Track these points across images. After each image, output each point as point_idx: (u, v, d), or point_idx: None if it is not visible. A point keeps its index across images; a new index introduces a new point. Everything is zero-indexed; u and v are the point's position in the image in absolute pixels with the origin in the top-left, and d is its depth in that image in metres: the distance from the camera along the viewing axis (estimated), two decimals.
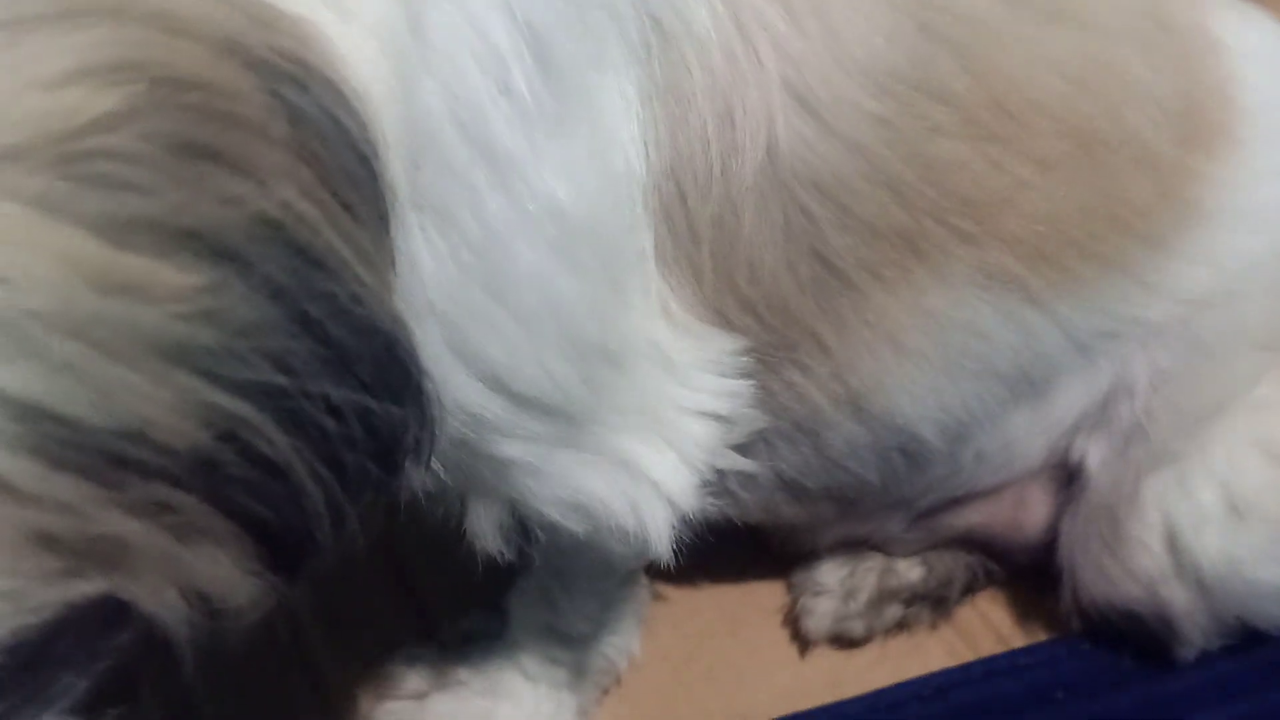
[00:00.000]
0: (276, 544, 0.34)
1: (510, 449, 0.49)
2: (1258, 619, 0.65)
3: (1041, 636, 0.73)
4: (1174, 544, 0.64)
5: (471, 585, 0.66)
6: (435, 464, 0.48)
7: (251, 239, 0.32)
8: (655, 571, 0.76)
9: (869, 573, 0.72)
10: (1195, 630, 0.66)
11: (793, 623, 0.73)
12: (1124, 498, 0.65)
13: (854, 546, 0.73)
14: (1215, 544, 0.64)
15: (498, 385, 0.47)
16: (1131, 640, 0.69)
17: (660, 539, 0.54)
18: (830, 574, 0.73)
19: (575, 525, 0.53)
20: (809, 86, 0.52)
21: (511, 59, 0.44)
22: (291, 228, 0.33)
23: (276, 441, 0.32)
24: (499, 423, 0.48)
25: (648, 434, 0.53)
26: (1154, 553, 0.65)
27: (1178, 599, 0.65)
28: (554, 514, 0.52)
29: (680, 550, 0.60)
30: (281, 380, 0.32)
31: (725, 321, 0.55)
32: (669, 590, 0.76)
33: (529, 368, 0.48)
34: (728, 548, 0.71)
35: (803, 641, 0.72)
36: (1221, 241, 0.62)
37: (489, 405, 0.48)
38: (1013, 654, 0.71)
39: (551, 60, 0.45)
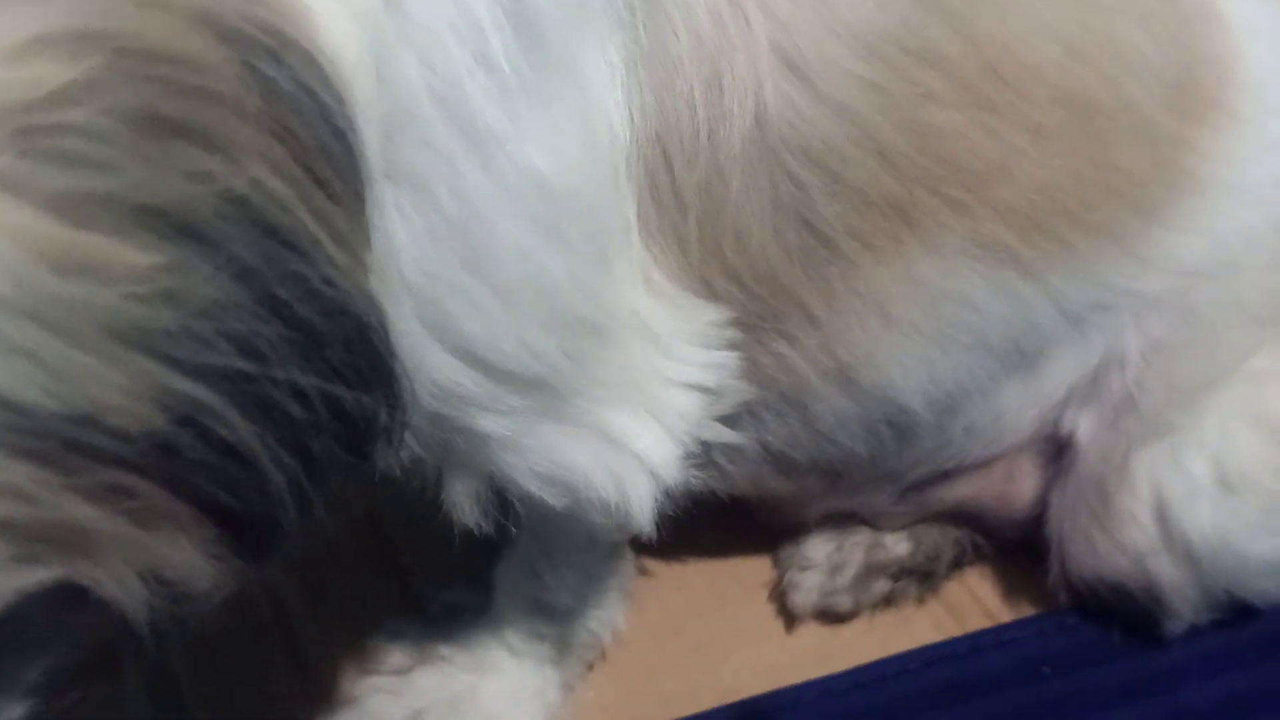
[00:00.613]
0: (240, 529, 0.33)
1: (488, 423, 0.48)
2: (1247, 593, 0.64)
3: (1029, 611, 0.72)
4: (1163, 516, 0.63)
5: (456, 559, 0.65)
6: (409, 439, 0.47)
7: (219, 217, 0.31)
8: (641, 545, 0.74)
9: (856, 547, 0.71)
10: (1184, 604, 0.65)
11: (779, 597, 0.72)
12: (1114, 470, 0.64)
13: (841, 520, 0.72)
14: (1206, 517, 0.62)
15: (475, 361, 0.46)
16: (1119, 614, 0.68)
17: (643, 512, 0.52)
18: (817, 548, 0.71)
19: (555, 499, 0.51)
20: (798, 50, 0.51)
21: (490, 29, 0.42)
22: (261, 206, 0.32)
23: (238, 427, 0.31)
24: (476, 397, 0.47)
25: (631, 406, 0.52)
26: (1143, 525, 0.64)
27: (1166, 572, 0.64)
28: (533, 487, 0.51)
29: (665, 523, 0.58)
30: (245, 364, 0.31)
31: (711, 291, 0.54)
32: (655, 564, 0.75)
33: (509, 342, 0.46)
34: (714, 521, 0.70)
35: (789, 616, 0.71)
36: (1218, 214, 0.61)
37: (466, 380, 0.46)
38: (999, 629, 0.70)
39: (533, 28, 0.44)
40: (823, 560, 0.71)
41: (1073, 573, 0.67)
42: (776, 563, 0.74)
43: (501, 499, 0.53)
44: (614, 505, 0.52)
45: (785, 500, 0.68)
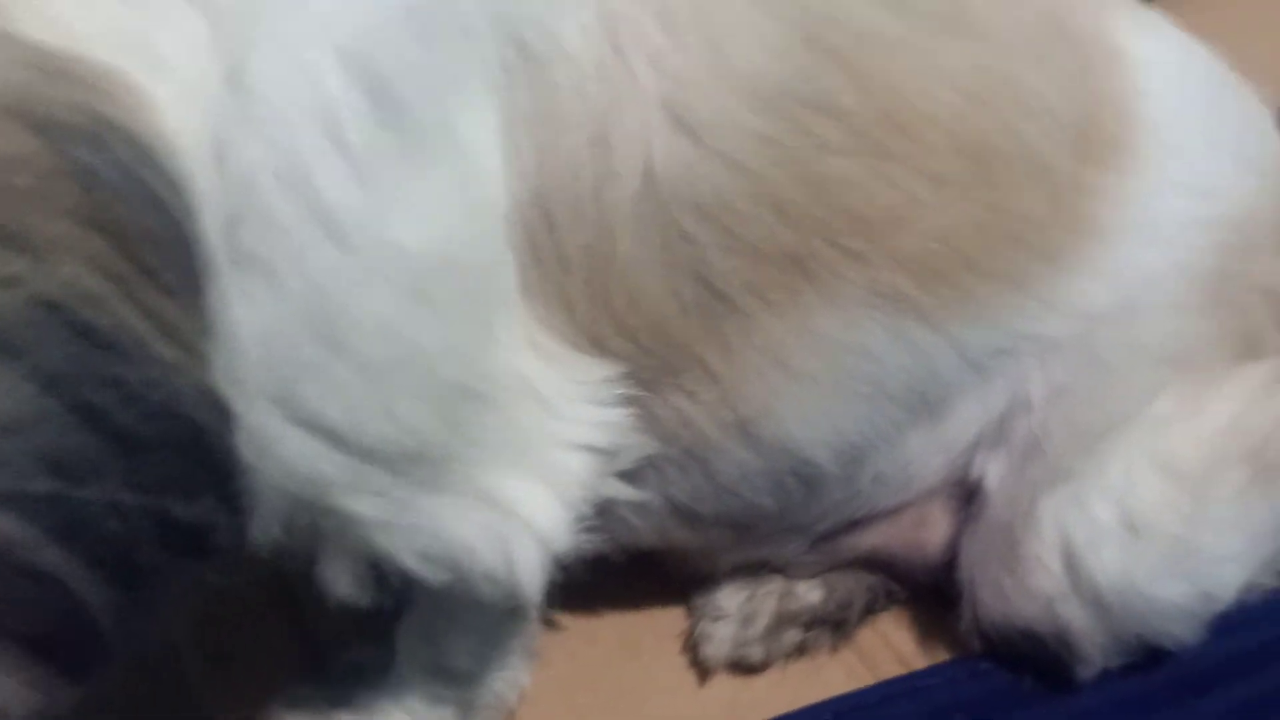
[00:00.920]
0: (57, 653, 0.30)
1: (358, 505, 0.46)
2: (1156, 637, 0.63)
3: (943, 657, 0.70)
4: (1071, 562, 0.62)
5: (360, 616, 0.63)
6: (269, 526, 0.45)
7: (24, 324, 0.28)
8: (549, 599, 0.73)
9: (768, 596, 0.69)
10: (1094, 649, 0.63)
11: (692, 648, 0.70)
12: (1021, 515, 0.63)
13: (754, 569, 0.70)
14: (1112, 562, 0.61)
15: (338, 442, 0.44)
16: (1032, 660, 0.67)
17: (531, 581, 0.50)
18: (729, 598, 0.69)
19: (435, 575, 0.49)
20: (688, 105, 0.49)
21: (345, 107, 0.41)
22: (74, 307, 0.29)
23: (45, 551, 0.28)
24: (342, 479, 0.45)
25: (519, 470, 0.50)
26: (1051, 571, 0.62)
27: (1076, 618, 0.63)
28: (411, 564, 0.49)
29: (575, 576, 0.57)
30: (54, 484, 0.28)
31: (602, 349, 0.52)
32: (564, 617, 0.72)
33: (375, 420, 0.44)
34: (626, 572, 0.68)
35: (702, 668, 0.69)
36: (1120, 256, 0.60)
37: (329, 463, 0.44)
38: (911, 676, 0.69)
39: (395, 102, 0.42)
40: (735, 610, 0.69)
41: (984, 619, 0.65)
42: (690, 612, 0.72)
43: (380, 574, 0.50)
44: (500, 576, 0.50)
45: (694, 552, 0.67)
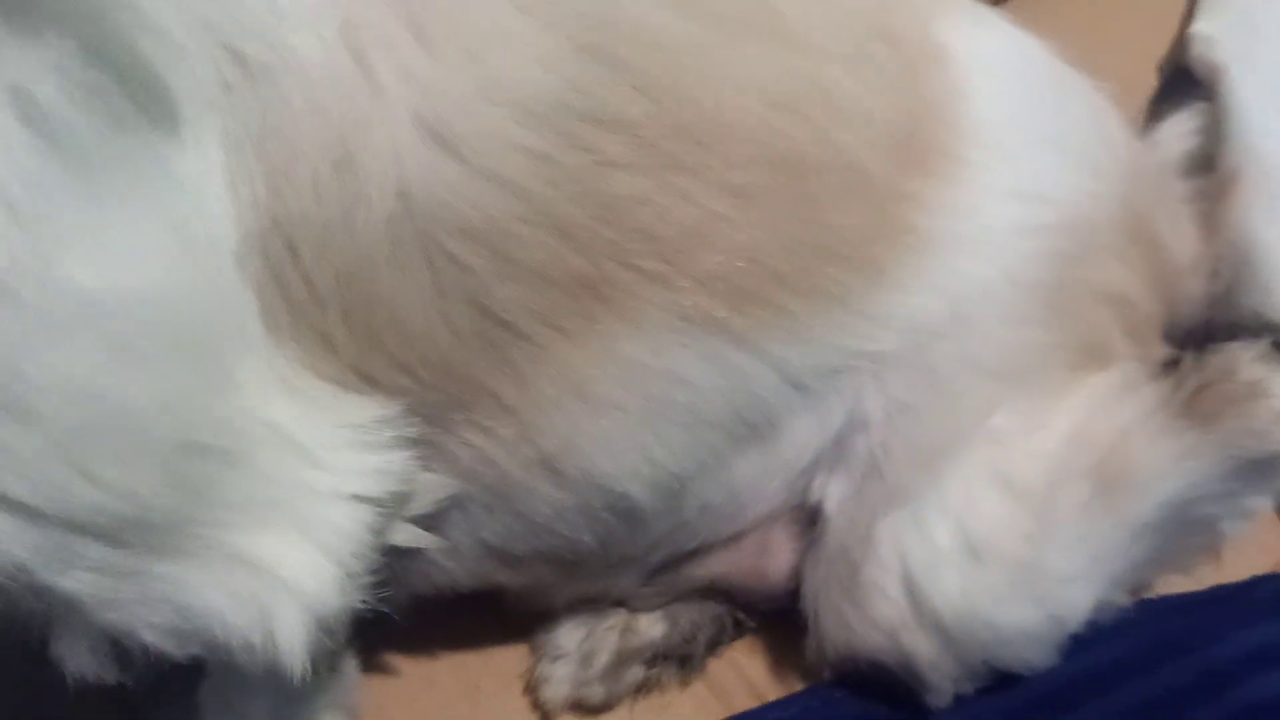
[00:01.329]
0: None
1: (69, 582, 0.41)
2: (1005, 663, 0.59)
3: (797, 686, 0.66)
4: (911, 589, 0.58)
5: (176, 670, 0.59)
6: None
7: None
8: (382, 639, 0.69)
9: (609, 633, 0.65)
10: (942, 679, 0.59)
11: (534, 690, 0.66)
12: (859, 539, 0.59)
13: (595, 603, 0.66)
14: (953, 587, 0.57)
15: (34, 516, 0.39)
16: (883, 687, 0.64)
17: (292, 648, 0.45)
18: (568, 636, 0.65)
19: (181, 649, 0.44)
20: (445, 120, 0.45)
21: None
22: None
23: None
24: (44, 557, 0.40)
25: (274, 527, 0.45)
26: (892, 598, 0.58)
27: (920, 647, 0.58)
28: (150, 639, 0.44)
29: (412, 614, 0.54)
30: None
31: (374, 386, 0.47)
32: (400, 661, 0.68)
33: (75, 489, 0.39)
34: (464, 611, 0.64)
35: (544, 710, 0.65)
36: (949, 268, 0.56)
37: (22, 542, 0.39)
38: (764, 708, 0.65)
39: (61, 133, 0.37)
40: (574, 649, 0.65)
41: (829, 650, 0.61)
42: (532, 651, 0.68)
43: (122, 649, 0.45)
44: (258, 644, 0.45)
45: (522, 591, 0.63)
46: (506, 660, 0.68)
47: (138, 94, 0.40)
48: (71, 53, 0.38)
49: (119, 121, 0.39)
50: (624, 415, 0.52)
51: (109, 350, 0.39)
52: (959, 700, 0.62)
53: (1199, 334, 0.70)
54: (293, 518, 0.45)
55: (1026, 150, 0.58)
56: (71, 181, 0.38)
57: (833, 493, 0.60)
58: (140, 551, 0.42)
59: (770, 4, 0.52)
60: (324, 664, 0.57)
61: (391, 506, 0.49)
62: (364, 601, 0.49)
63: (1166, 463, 0.57)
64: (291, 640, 0.45)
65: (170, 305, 0.41)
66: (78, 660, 0.44)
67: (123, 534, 0.42)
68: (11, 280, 0.37)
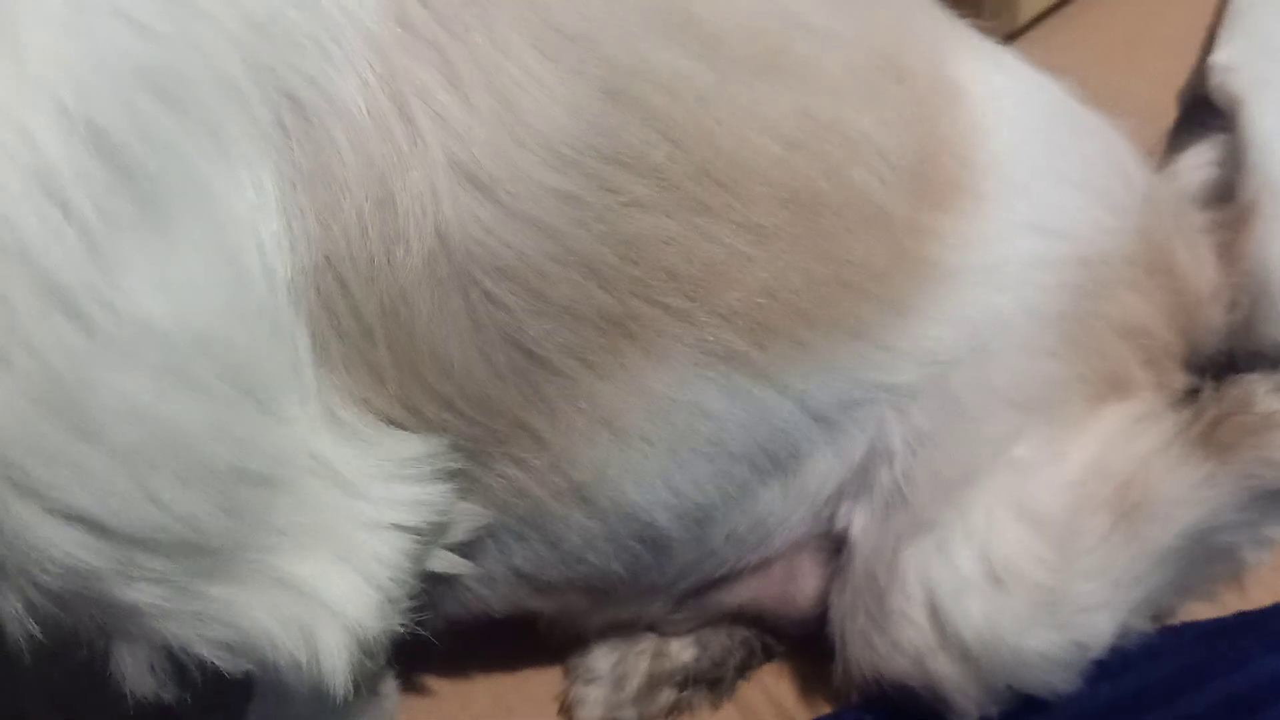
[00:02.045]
0: None
1: (132, 594, 0.42)
2: (1028, 687, 0.59)
3: (825, 709, 0.67)
4: (936, 615, 0.58)
5: (222, 691, 0.60)
6: (42, 621, 0.42)
7: None
8: (421, 661, 0.70)
9: (640, 657, 0.66)
10: (968, 703, 0.60)
11: (567, 712, 0.67)
12: (885, 567, 0.59)
13: (627, 628, 0.66)
14: (977, 613, 0.58)
15: (99, 530, 0.41)
16: (909, 711, 0.64)
17: (336, 669, 0.46)
18: (602, 659, 0.66)
19: (235, 665, 0.46)
20: (479, 164, 0.46)
21: (69, 172, 0.38)
22: None
23: None
24: (110, 569, 0.41)
25: (319, 554, 0.46)
26: (918, 624, 0.59)
27: (946, 671, 0.59)
28: (205, 654, 0.45)
29: (449, 638, 0.54)
30: None
31: (421, 420, 0.49)
32: (436, 682, 0.69)
33: (138, 507, 0.41)
34: (499, 634, 0.65)
35: None
36: (966, 300, 0.57)
37: (89, 553, 0.41)
38: None
39: (131, 166, 0.39)
40: (607, 672, 0.66)
41: (856, 673, 0.61)
42: (565, 673, 0.69)
43: (179, 665, 0.47)
44: (304, 664, 0.46)
45: (554, 617, 0.64)
46: (541, 683, 0.69)
47: (202, 133, 0.41)
48: (143, 93, 0.40)
49: (184, 159, 0.41)
50: (651, 447, 0.53)
51: (169, 377, 0.41)
52: None
53: (1220, 363, 0.70)
54: (336, 545, 0.47)
55: (1042, 185, 0.59)
56: (141, 213, 0.40)
57: (857, 521, 0.61)
58: (196, 573, 0.44)
59: (784, 46, 0.53)
60: (366, 685, 0.59)
61: (430, 536, 0.50)
62: (403, 625, 0.51)
63: (1185, 492, 0.58)
64: (334, 661, 0.46)
65: (227, 336, 0.42)
66: (137, 676, 0.45)
67: (181, 553, 0.43)
68: (84, 303, 0.39)
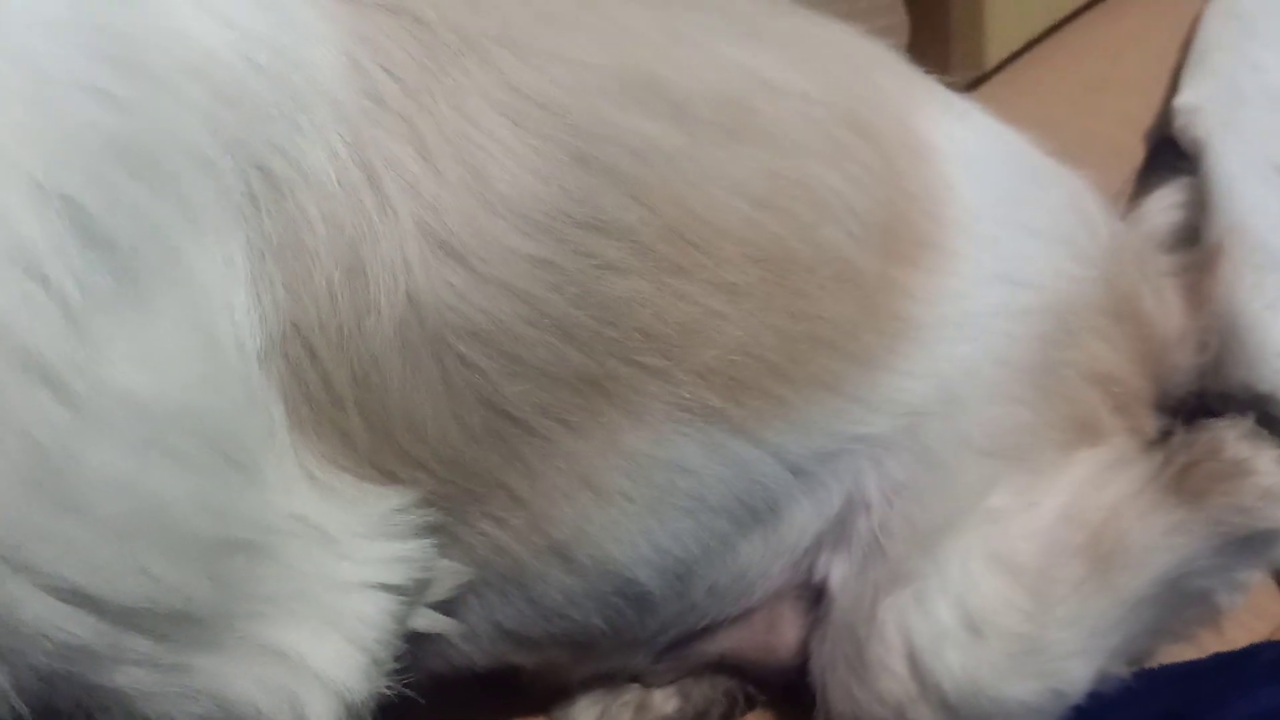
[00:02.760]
0: None
1: (118, 678, 0.42)
2: None
3: None
4: (916, 666, 0.58)
5: None
6: (27, 699, 0.41)
7: None
8: (406, 718, 0.69)
9: (624, 708, 0.65)
10: None
11: None
12: (864, 618, 0.59)
13: (611, 679, 0.66)
14: (956, 663, 0.57)
15: (88, 604, 0.40)
16: None
17: None
18: (585, 712, 0.66)
19: None
20: (451, 231, 0.46)
21: (47, 248, 0.38)
22: None
23: None
24: (98, 646, 0.41)
25: (304, 619, 0.46)
26: (897, 675, 0.58)
27: None
28: None
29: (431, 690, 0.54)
30: None
31: (392, 479, 0.48)
32: None
33: (128, 580, 0.41)
34: (484, 688, 0.65)
35: None
36: (939, 352, 0.57)
37: (79, 628, 0.40)
38: None
39: (106, 240, 0.39)
40: None
41: None
42: None
43: None
44: None
45: (536, 670, 0.64)
46: None
47: (173, 205, 0.41)
48: (113, 165, 0.40)
49: (157, 230, 0.41)
50: (631, 504, 0.53)
51: (150, 448, 0.41)
52: None
53: (1191, 404, 0.71)
54: (320, 610, 0.46)
55: (1008, 237, 0.59)
56: (118, 285, 0.40)
57: (836, 572, 0.60)
58: (182, 645, 0.43)
59: (750, 106, 0.54)
60: None
61: (413, 593, 0.50)
62: (389, 686, 0.50)
63: (1157, 539, 0.58)
64: None
65: (204, 406, 0.42)
66: None
67: (168, 628, 0.43)
68: (67, 377, 0.39)
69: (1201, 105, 0.88)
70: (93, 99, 0.41)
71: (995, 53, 1.01)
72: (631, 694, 0.66)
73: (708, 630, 0.63)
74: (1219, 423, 0.60)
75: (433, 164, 0.46)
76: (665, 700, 0.66)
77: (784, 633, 0.64)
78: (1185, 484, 0.58)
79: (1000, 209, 0.59)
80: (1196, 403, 0.70)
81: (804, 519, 0.59)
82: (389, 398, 0.47)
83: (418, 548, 0.49)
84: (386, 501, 0.48)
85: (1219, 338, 0.69)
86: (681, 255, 0.50)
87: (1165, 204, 0.79)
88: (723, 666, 0.66)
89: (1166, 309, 0.67)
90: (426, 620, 0.52)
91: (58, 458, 0.39)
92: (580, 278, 0.49)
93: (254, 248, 0.43)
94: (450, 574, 0.52)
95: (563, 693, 0.68)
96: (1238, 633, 0.67)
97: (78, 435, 0.39)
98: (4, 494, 0.38)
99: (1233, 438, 0.59)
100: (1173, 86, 0.94)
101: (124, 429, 0.40)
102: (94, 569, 0.40)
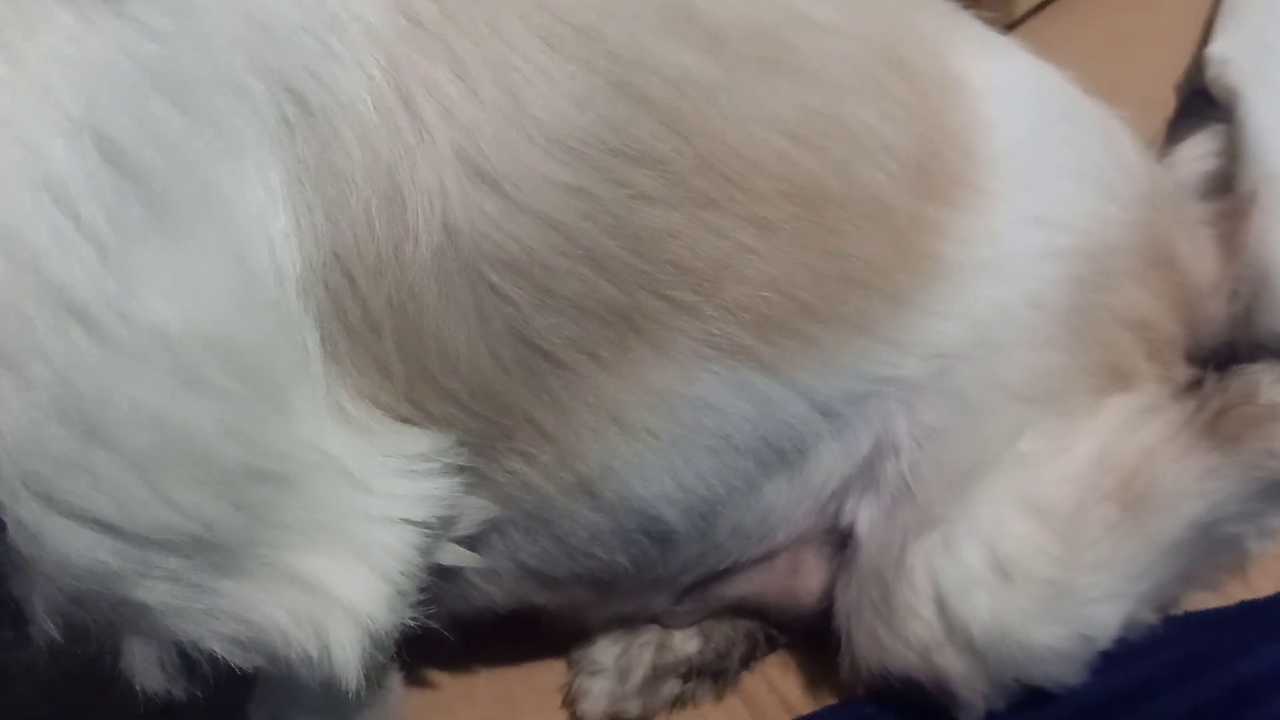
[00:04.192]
0: None
1: (146, 593, 0.42)
2: (1035, 679, 0.59)
3: (830, 700, 0.66)
4: (943, 610, 0.57)
5: (219, 688, 0.59)
6: (51, 627, 0.41)
7: None
8: (424, 656, 0.69)
9: (644, 648, 0.65)
10: (974, 696, 0.59)
11: (572, 704, 0.66)
12: (893, 562, 0.59)
13: (630, 620, 0.66)
14: (984, 607, 0.57)
15: (114, 532, 0.40)
16: (917, 702, 0.63)
17: (347, 663, 0.46)
18: (605, 651, 0.65)
19: (246, 661, 0.45)
20: (486, 157, 0.45)
21: (77, 180, 0.37)
22: None
23: None
24: (124, 568, 0.41)
25: (330, 549, 0.46)
26: (925, 619, 0.58)
27: (953, 665, 0.58)
28: (217, 649, 0.44)
29: (454, 632, 0.53)
30: None
31: (427, 415, 0.48)
32: (440, 676, 0.68)
33: (153, 509, 0.40)
34: (503, 628, 0.64)
35: None
36: (972, 294, 0.56)
37: (107, 555, 0.40)
38: None
39: (139, 171, 0.38)
40: (611, 664, 0.65)
41: (862, 667, 0.61)
42: (569, 666, 0.68)
43: (189, 660, 0.46)
44: (315, 659, 0.46)
45: (558, 610, 0.63)
46: (544, 676, 0.68)
47: (209, 133, 0.41)
48: (149, 96, 0.39)
49: (192, 160, 0.40)
50: (657, 441, 0.52)
51: (181, 381, 0.40)
52: (991, 717, 0.62)
53: (1221, 354, 0.70)
54: (345, 540, 0.46)
55: (1044, 178, 0.58)
56: (151, 218, 0.39)
57: (864, 516, 0.60)
58: (208, 569, 0.43)
59: (787, 41, 0.52)
60: (372, 679, 0.58)
61: (438, 529, 0.49)
62: (412, 618, 0.50)
63: (1190, 484, 0.57)
64: (346, 655, 0.46)
65: (237, 336, 0.42)
66: (147, 672, 0.45)
67: (195, 552, 0.43)
68: (97, 312, 0.38)
69: (1233, 56, 0.86)
70: (129, 28, 0.40)
71: (1023, 2, 1.00)
72: (652, 635, 0.66)
73: (730, 571, 0.62)
74: (1254, 367, 0.59)
75: (470, 87, 0.45)
76: (685, 641, 0.65)
77: (807, 576, 0.63)
78: (1219, 428, 0.57)
79: (1037, 149, 0.58)
80: (1227, 353, 0.69)
81: (831, 462, 0.58)
82: (424, 328, 0.46)
83: (445, 486, 0.48)
84: (419, 443, 0.47)
85: (1251, 287, 0.68)
86: (714, 188, 0.49)
87: (1197, 153, 0.77)
88: (744, 609, 0.65)
89: (1200, 256, 0.66)
90: (451, 555, 0.52)
91: (87, 391, 0.39)
92: (613, 207, 0.48)
93: (292, 175, 0.43)
94: (475, 511, 0.52)
95: (582, 634, 0.67)
96: (1265, 581, 0.67)
97: (107, 369, 0.39)
98: (33, 426, 0.38)
99: (1268, 381, 0.58)
100: (1203, 39, 0.93)
101: (154, 362, 0.40)
102: (122, 501, 0.40)
